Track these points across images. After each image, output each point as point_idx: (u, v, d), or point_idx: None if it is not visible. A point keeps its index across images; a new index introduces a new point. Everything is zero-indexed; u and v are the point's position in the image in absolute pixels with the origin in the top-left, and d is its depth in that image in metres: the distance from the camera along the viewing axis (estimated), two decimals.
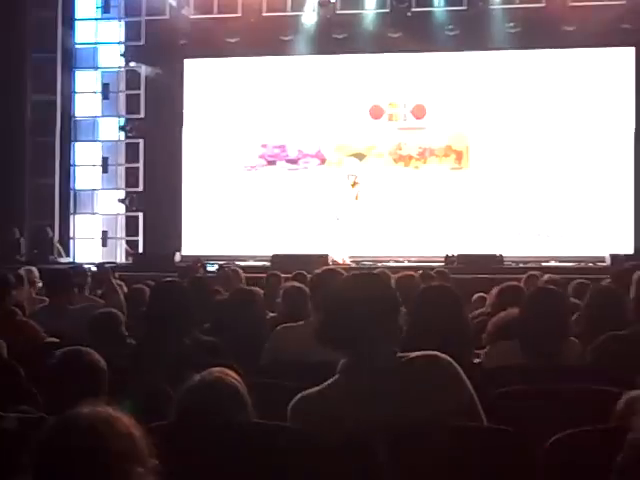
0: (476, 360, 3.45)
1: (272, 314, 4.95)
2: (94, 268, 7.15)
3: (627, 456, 1.69)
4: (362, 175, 12.24)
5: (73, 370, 2.73)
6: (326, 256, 11.29)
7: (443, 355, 2.28)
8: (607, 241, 12.55)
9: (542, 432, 2.28)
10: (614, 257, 11.40)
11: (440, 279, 6.28)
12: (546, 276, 6.65)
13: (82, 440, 1.58)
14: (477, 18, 12.84)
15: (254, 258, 12.51)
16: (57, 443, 1.58)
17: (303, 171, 13.66)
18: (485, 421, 2.32)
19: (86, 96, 14.12)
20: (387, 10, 13.11)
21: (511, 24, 12.77)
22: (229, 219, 13.65)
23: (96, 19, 14.10)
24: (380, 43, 13.06)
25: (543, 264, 11.60)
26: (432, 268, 8.56)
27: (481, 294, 6.43)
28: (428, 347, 2.32)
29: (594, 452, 2.07)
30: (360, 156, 13.51)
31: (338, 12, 13.19)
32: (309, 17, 13.31)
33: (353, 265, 11.81)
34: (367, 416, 2.15)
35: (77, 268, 7.43)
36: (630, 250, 12.39)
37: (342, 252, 11.99)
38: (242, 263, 11.11)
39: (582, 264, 11.92)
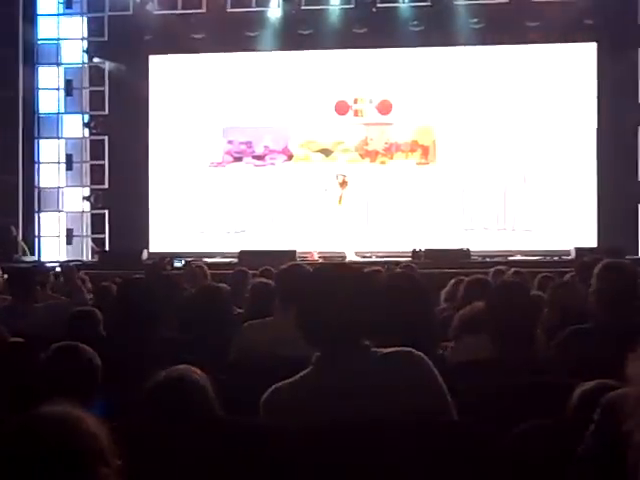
0: (440, 352, 3.45)
1: (239, 310, 4.95)
2: (58, 268, 7.08)
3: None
4: (351, 175, 12.23)
5: (70, 365, 2.70)
6: (294, 252, 11.29)
7: (417, 352, 2.28)
8: (572, 235, 12.69)
9: (510, 425, 2.30)
10: (579, 250, 11.52)
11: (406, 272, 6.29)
12: (512, 270, 6.71)
13: (46, 441, 1.56)
14: (441, 14, 12.91)
15: (222, 255, 12.47)
16: (20, 444, 1.56)
17: (270, 167, 13.64)
18: (455, 416, 2.32)
19: (49, 92, 13.95)
20: (352, 6, 13.12)
21: (475, 20, 12.85)
22: (196, 215, 13.59)
23: (58, 14, 13.93)
24: (345, 39, 13.08)
25: (509, 258, 11.72)
26: (399, 263, 8.61)
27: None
28: (393, 336, 2.32)
29: (554, 444, 2.10)
30: (327, 152, 13.52)
31: (303, 8, 13.18)
32: (274, 13, 13.29)
33: (321, 261, 11.83)
34: (339, 410, 2.15)
35: (39, 266, 7.36)
36: (594, 243, 12.56)
37: (348, 246, 11.98)
38: (209, 260, 11.07)
39: (548, 258, 12.05)
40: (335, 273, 2.36)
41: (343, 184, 11.98)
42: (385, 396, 2.17)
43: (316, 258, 11.73)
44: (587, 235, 12.80)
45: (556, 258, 12.02)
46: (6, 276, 7.00)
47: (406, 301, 3.02)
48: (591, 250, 11.32)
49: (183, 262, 9.06)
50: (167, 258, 9.39)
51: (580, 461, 1.84)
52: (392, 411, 2.16)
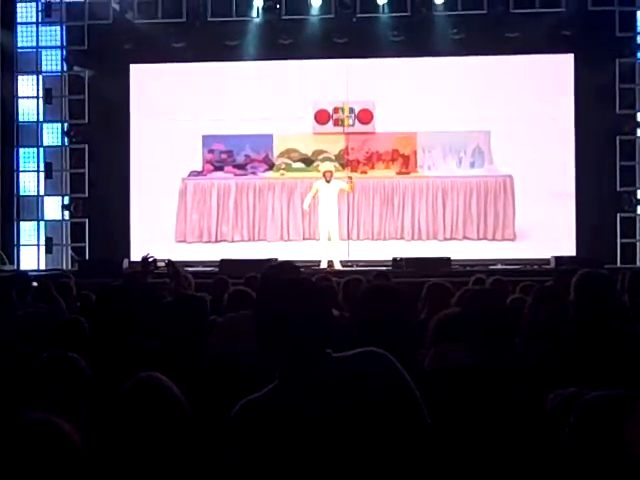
0: (418, 359, 3.45)
1: (220, 319, 4.94)
2: (35, 283, 7.04)
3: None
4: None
5: (60, 375, 2.70)
6: (275, 261, 11.28)
7: (380, 350, 2.26)
8: (552, 244, 12.76)
9: (487, 431, 2.31)
10: (558, 259, 11.61)
11: (381, 280, 6.32)
12: (492, 278, 6.74)
13: (22, 447, 1.55)
14: (421, 24, 12.99)
15: (203, 264, 12.44)
16: None
17: (251, 176, 13.64)
18: (429, 421, 2.31)
19: (28, 101, 13.89)
20: (332, 15, 13.16)
21: (454, 30, 12.93)
22: (177, 224, 13.56)
23: (37, 23, 13.87)
24: (325, 48, 13.11)
25: (490, 267, 11.77)
26: (381, 272, 8.62)
27: None
28: (371, 343, 2.30)
29: (531, 448, 2.12)
30: (307, 161, 13.54)
31: (283, 17, 13.20)
32: (254, 22, 13.30)
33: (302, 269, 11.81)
34: (308, 420, 2.14)
35: (18, 275, 7.31)
36: (573, 252, 12.64)
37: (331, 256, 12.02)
38: (191, 269, 11.03)
39: (528, 267, 12.10)
40: (293, 284, 2.32)
41: (352, 186, 12.20)
42: (354, 401, 2.16)
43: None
44: (566, 244, 12.88)
45: (536, 267, 12.09)
46: None
47: (382, 310, 3.01)
48: (570, 259, 11.41)
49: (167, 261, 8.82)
50: (149, 259, 9.21)
51: (557, 463, 1.85)
52: (362, 415, 2.15)
